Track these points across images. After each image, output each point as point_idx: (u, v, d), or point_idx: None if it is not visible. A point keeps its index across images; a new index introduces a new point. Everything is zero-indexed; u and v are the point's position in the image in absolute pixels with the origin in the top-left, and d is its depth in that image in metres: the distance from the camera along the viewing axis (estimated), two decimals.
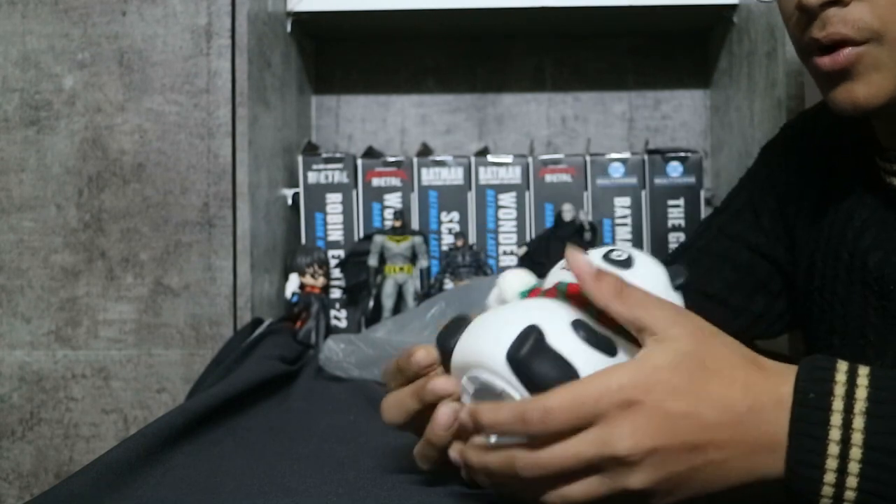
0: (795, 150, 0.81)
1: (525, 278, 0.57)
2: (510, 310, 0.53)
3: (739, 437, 0.47)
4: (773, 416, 0.47)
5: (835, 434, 0.46)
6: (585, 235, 1.27)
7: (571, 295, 0.52)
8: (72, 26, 1.13)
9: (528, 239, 1.33)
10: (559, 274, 0.55)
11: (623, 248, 0.55)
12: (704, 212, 1.34)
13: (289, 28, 1.34)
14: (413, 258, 1.29)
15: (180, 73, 1.14)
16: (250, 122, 1.15)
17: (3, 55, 1.14)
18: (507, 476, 0.48)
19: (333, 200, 1.33)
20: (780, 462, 0.47)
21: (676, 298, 0.55)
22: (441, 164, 1.33)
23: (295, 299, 1.24)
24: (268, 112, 1.24)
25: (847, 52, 0.60)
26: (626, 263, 0.54)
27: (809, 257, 0.75)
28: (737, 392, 0.48)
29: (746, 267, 0.83)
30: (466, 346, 0.52)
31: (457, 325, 0.54)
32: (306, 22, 1.37)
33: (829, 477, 0.46)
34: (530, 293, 0.56)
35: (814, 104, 0.83)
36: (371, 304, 1.28)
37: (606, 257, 0.54)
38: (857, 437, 0.46)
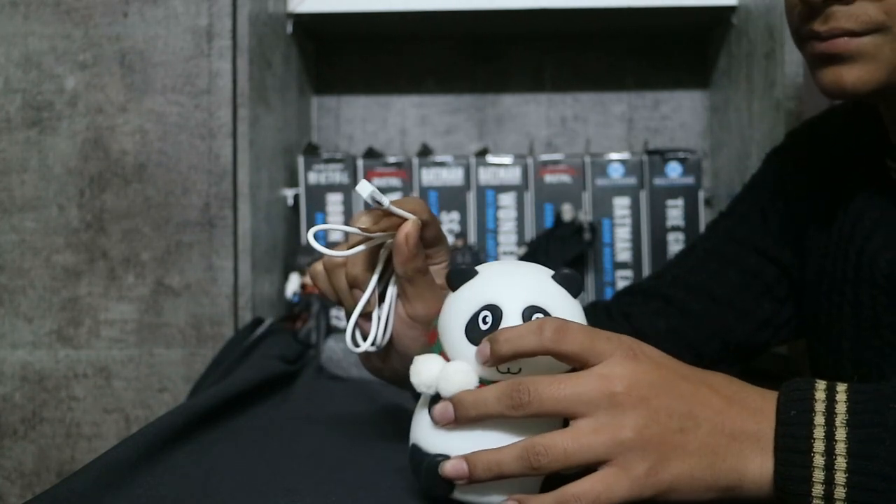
0: (803, 156, 0.81)
1: (468, 372, 0.51)
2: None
3: (726, 416, 0.48)
4: (758, 427, 0.48)
5: (819, 447, 0.46)
6: (585, 236, 1.27)
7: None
8: (73, 27, 1.14)
9: (527, 239, 1.33)
10: None
11: (540, 297, 0.51)
12: (703, 212, 1.34)
13: (289, 29, 1.34)
14: None
15: (181, 73, 1.14)
16: (251, 122, 1.15)
17: (5, 56, 1.14)
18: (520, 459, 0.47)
19: (334, 201, 1.33)
20: (768, 466, 0.47)
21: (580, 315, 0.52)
22: (441, 164, 1.34)
23: (296, 299, 1.25)
24: (269, 113, 1.24)
25: (845, 41, 0.60)
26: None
27: (818, 261, 0.75)
28: (721, 396, 0.49)
29: (754, 270, 0.82)
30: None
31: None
32: (307, 23, 1.37)
33: (818, 490, 0.46)
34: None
35: (819, 112, 0.83)
36: None
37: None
38: (841, 448, 0.46)
